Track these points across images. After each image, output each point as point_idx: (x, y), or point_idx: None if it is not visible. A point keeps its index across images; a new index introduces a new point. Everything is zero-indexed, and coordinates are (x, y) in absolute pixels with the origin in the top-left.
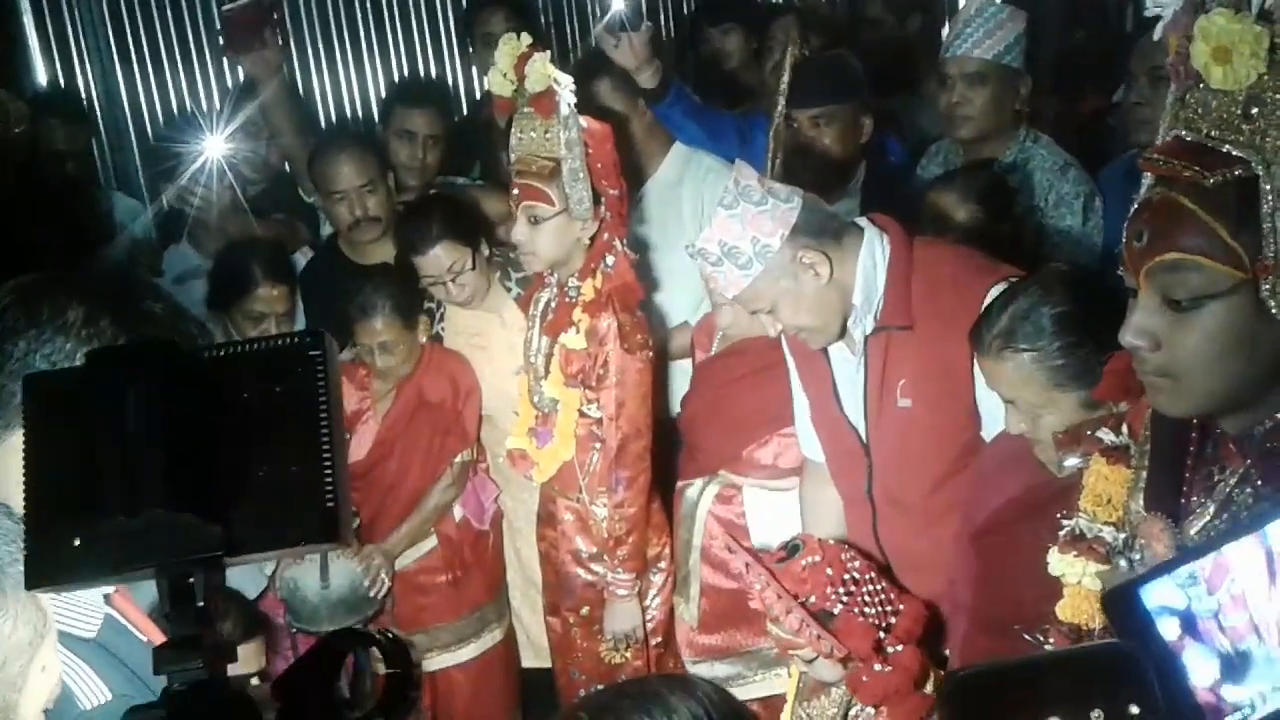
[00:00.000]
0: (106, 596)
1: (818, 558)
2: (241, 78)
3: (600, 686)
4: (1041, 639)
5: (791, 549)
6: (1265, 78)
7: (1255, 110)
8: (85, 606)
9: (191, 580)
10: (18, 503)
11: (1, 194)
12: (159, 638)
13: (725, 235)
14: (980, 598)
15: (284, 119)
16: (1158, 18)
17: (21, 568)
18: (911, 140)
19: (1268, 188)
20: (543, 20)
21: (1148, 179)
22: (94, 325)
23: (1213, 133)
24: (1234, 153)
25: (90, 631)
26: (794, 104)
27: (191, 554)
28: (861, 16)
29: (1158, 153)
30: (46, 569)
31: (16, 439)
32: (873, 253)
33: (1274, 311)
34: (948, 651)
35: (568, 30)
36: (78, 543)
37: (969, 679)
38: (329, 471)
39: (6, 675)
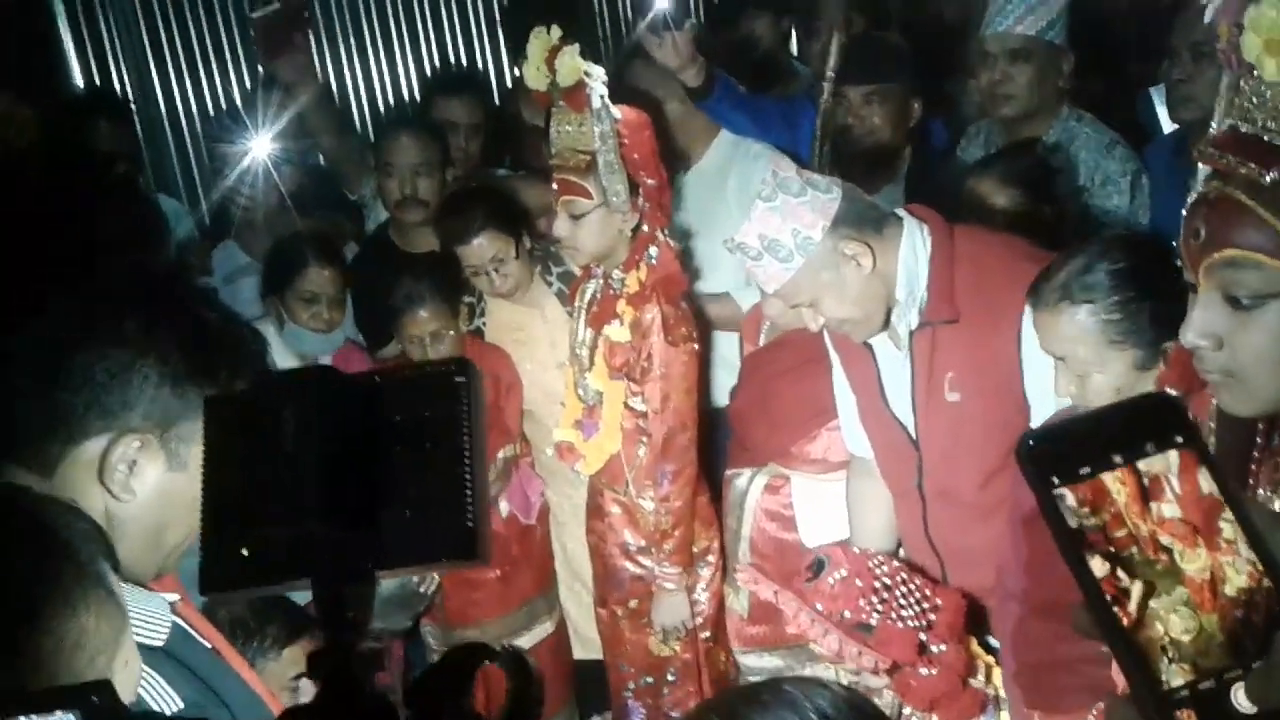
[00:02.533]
0: (172, 604)
1: (845, 571)
2: (262, 75)
3: (649, 679)
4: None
5: (817, 566)
6: None
7: None
8: (154, 615)
9: (343, 591)
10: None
11: (20, 205)
12: (221, 643)
13: (765, 228)
14: (1032, 582)
15: (320, 119)
16: None
17: (100, 565)
18: (955, 122)
19: None
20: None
21: (1204, 170)
22: (149, 335)
23: (1270, 125)
24: None
25: (159, 640)
26: (845, 80)
27: (345, 566)
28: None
29: (1214, 146)
30: (219, 576)
31: (85, 452)
32: (914, 245)
33: None
34: (995, 641)
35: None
36: (246, 553)
37: (1040, 438)
38: (470, 493)
39: (95, 670)
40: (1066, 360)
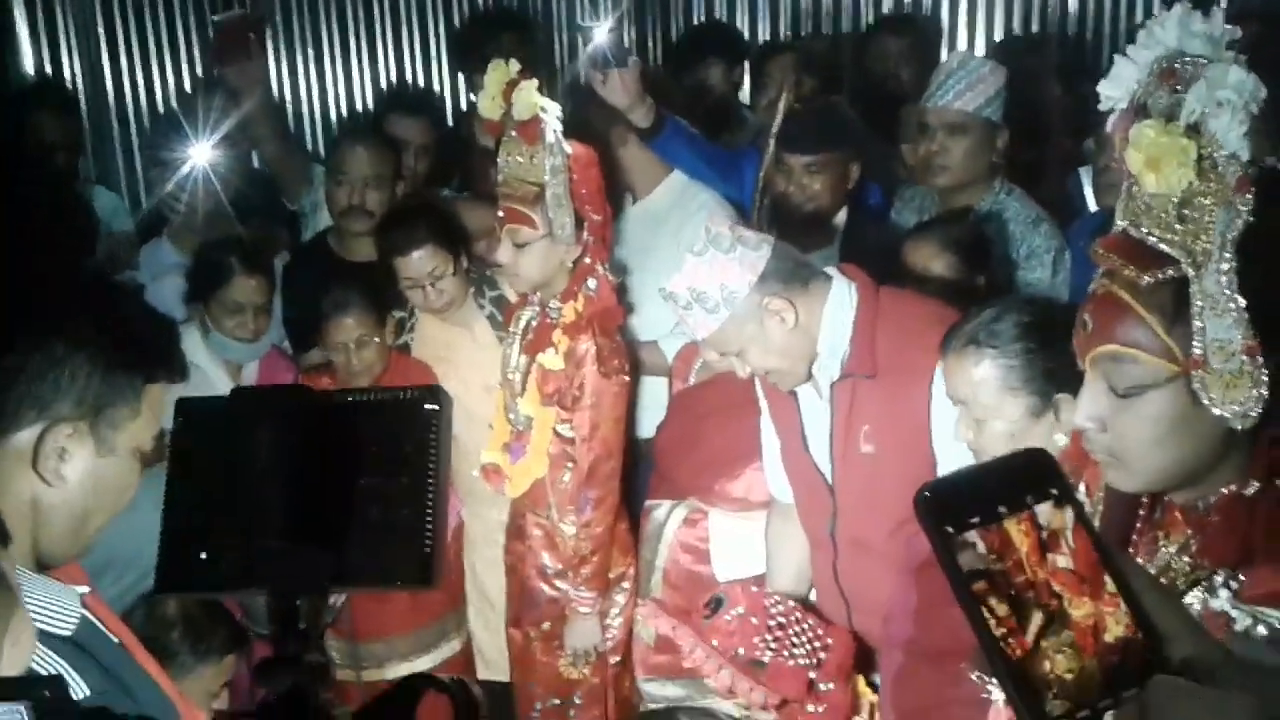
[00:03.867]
0: (81, 596)
1: (742, 609)
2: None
3: (557, 701)
4: (984, 678)
5: (715, 604)
6: (1195, 184)
7: (1186, 213)
8: (62, 606)
9: (298, 604)
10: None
11: None
12: (129, 639)
13: (694, 281)
14: (919, 629)
15: (264, 128)
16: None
17: None
18: (889, 184)
19: (1196, 289)
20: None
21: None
22: (80, 329)
23: (1153, 231)
24: (1169, 252)
25: (67, 630)
26: (787, 148)
27: (302, 581)
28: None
29: (1102, 246)
30: (174, 576)
31: (17, 442)
32: (840, 302)
33: (1205, 402)
34: (878, 679)
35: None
36: (204, 556)
37: (935, 489)
38: (430, 519)
39: None
40: (968, 404)
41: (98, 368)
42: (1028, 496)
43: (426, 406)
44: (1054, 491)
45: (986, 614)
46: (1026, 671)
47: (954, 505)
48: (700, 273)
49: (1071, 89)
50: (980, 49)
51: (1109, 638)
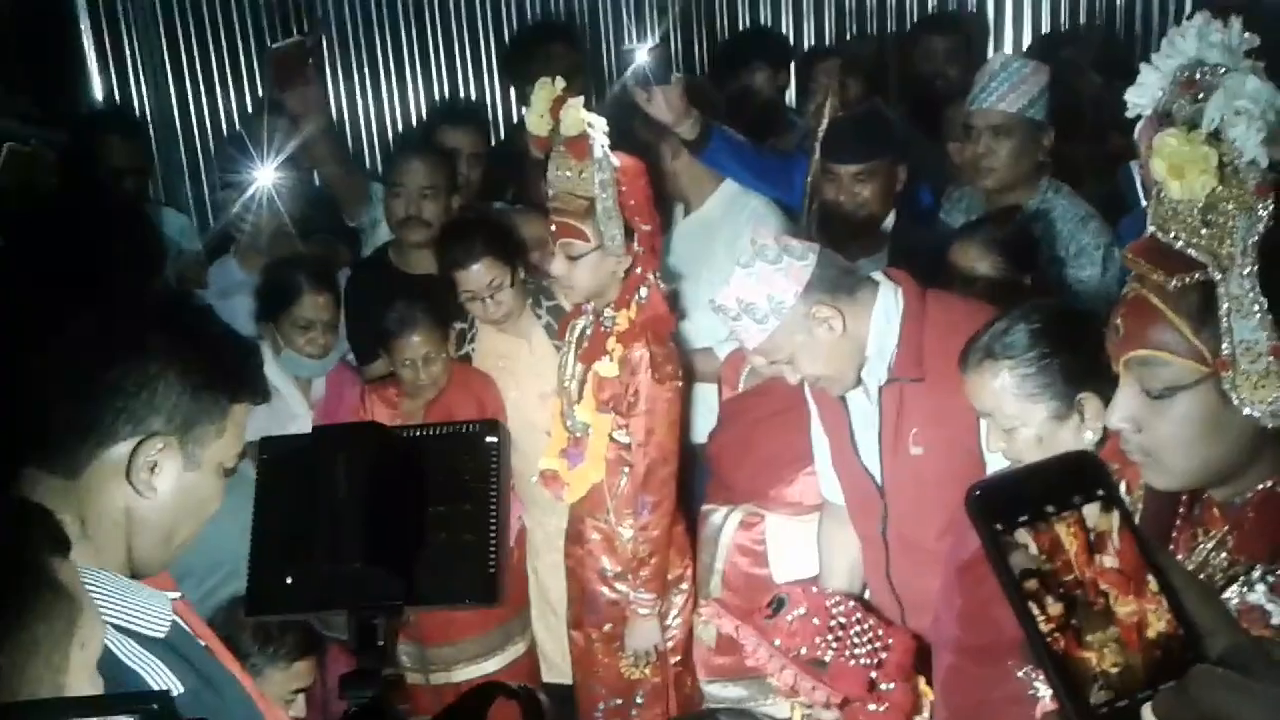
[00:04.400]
0: (171, 602)
1: (804, 609)
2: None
3: (619, 701)
4: (1031, 676)
5: (778, 604)
6: (1218, 189)
7: (1210, 218)
8: (156, 611)
9: (376, 622)
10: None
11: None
12: (215, 643)
13: (742, 293)
14: (965, 630)
15: (322, 150)
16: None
17: (40, 560)
18: (937, 183)
19: (1223, 291)
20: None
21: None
22: (172, 349)
23: (1179, 235)
24: (1195, 256)
25: (161, 632)
26: (834, 158)
27: (380, 600)
28: (906, 65)
29: (1132, 251)
30: (263, 599)
31: (112, 455)
32: (886, 307)
33: (1235, 402)
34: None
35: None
36: (290, 580)
37: (984, 489)
38: (494, 543)
39: (53, 665)
40: (994, 415)
41: (188, 386)
42: (1075, 497)
43: (487, 439)
44: (1100, 493)
45: (1036, 611)
46: (1072, 666)
47: (1004, 504)
48: (748, 284)
49: (1118, 83)
50: (1025, 44)
51: (1151, 633)
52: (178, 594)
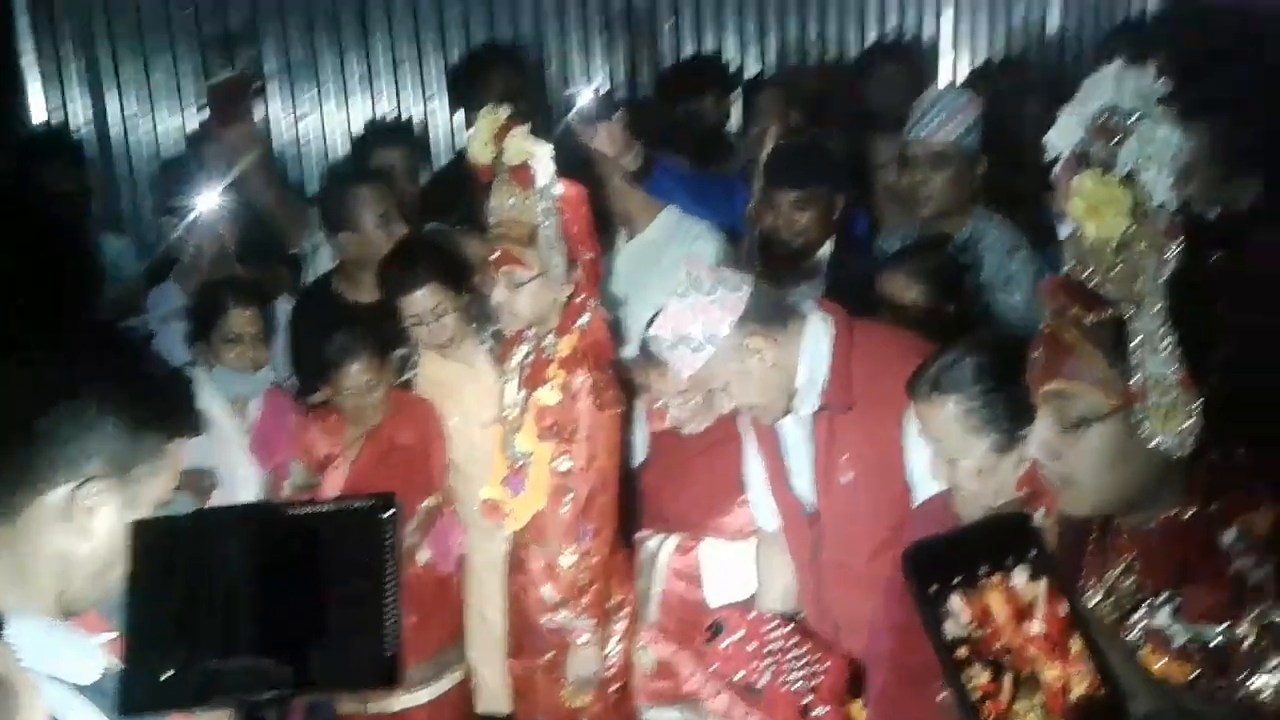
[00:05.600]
0: (103, 646)
1: (740, 634)
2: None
3: None
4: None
5: (715, 629)
6: (1131, 229)
7: (1124, 257)
8: (86, 656)
9: (264, 716)
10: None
11: None
12: None
13: (677, 323)
14: (900, 645)
15: (259, 182)
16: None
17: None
18: (875, 211)
19: (1135, 327)
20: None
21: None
22: (106, 392)
23: (1095, 273)
24: (1110, 293)
25: (92, 679)
26: (774, 184)
27: (267, 691)
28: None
29: (1049, 287)
30: (140, 696)
31: (49, 499)
32: (816, 337)
33: (1145, 434)
34: (863, 703)
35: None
36: (170, 674)
37: (919, 553)
38: (391, 622)
39: None
40: (939, 445)
41: (125, 428)
42: (1008, 558)
43: (381, 516)
44: (1033, 553)
45: (966, 680)
46: None
47: (938, 565)
48: (683, 315)
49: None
50: (963, 75)
51: (1074, 696)
52: (110, 634)
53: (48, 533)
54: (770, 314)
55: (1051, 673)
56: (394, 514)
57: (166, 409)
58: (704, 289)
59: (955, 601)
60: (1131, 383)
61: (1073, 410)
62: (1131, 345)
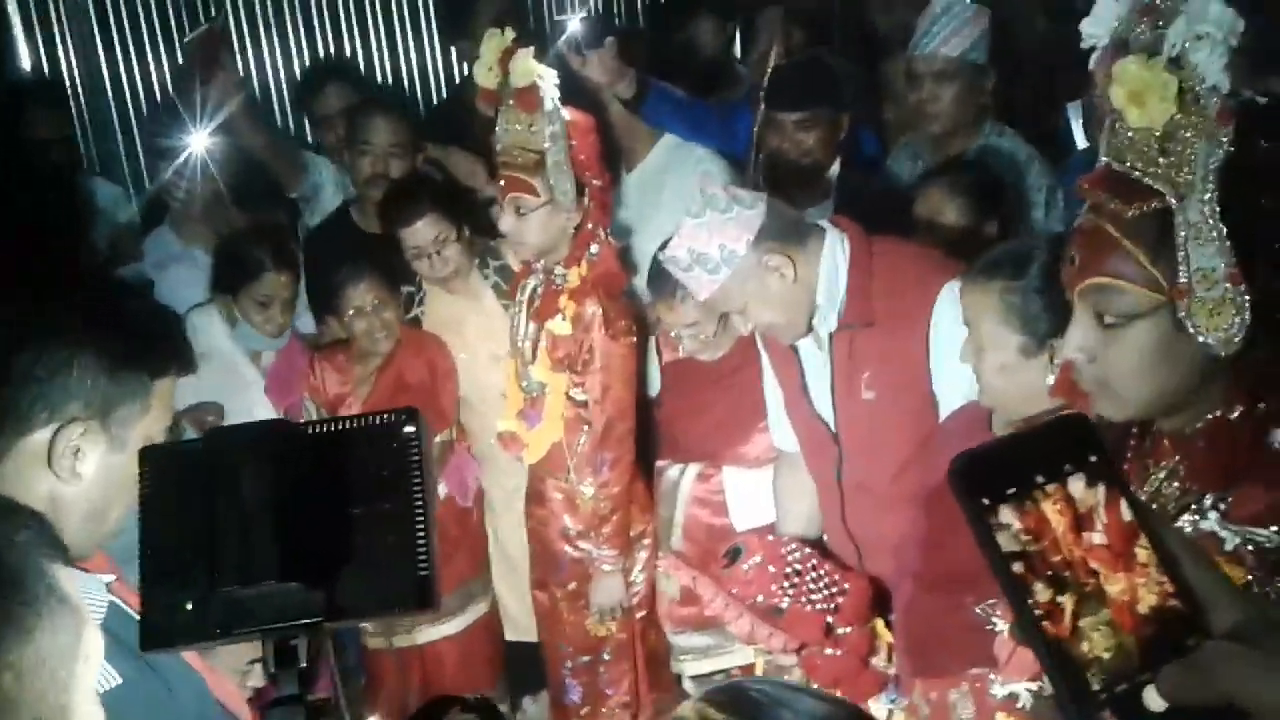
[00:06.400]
0: (108, 585)
1: (759, 558)
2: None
3: (586, 658)
4: (989, 612)
5: (734, 554)
6: (1177, 117)
7: (1169, 146)
8: (90, 596)
9: (295, 643)
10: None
11: None
12: None
13: (693, 243)
14: (925, 559)
15: (250, 131)
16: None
17: (47, 572)
18: (884, 130)
19: (1180, 219)
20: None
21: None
22: (85, 329)
23: (1135, 164)
24: (1152, 185)
25: (96, 617)
26: (777, 107)
27: (296, 620)
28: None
29: (1087, 181)
30: (160, 630)
31: (31, 443)
32: (834, 254)
33: (1190, 330)
34: (893, 616)
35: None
36: (190, 606)
37: (969, 459)
38: (423, 541)
39: (58, 682)
40: (972, 329)
41: (104, 368)
42: (1065, 464)
43: (405, 430)
44: (1093, 459)
45: (1027, 597)
46: (1067, 652)
47: (989, 476)
48: (699, 235)
49: (1058, 23)
50: None
51: (1143, 609)
52: (113, 576)
53: (33, 477)
54: (787, 231)
55: (1116, 586)
56: (419, 427)
57: (149, 347)
58: (720, 207)
59: (1007, 514)
60: (1177, 278)
61: (1112, 307)
62: (1177, 238)
